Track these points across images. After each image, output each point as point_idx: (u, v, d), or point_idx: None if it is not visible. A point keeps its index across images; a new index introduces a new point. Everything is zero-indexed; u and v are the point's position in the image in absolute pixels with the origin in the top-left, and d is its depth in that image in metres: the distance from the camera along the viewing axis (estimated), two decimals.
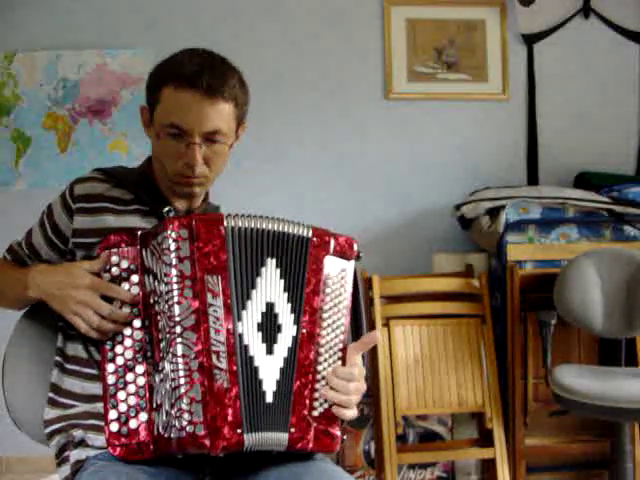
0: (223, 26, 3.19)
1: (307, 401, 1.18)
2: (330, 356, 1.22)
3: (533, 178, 3.24)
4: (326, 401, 1.20)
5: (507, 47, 3.25)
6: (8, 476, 3.02)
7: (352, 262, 1.26)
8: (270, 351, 1.18)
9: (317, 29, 3.22)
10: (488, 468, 2.77)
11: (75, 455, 1.23)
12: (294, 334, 1.20)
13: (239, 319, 1.16)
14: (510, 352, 2.73)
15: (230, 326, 1.15)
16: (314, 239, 1.23)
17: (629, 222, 2.79)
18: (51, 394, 1.30)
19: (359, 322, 1.30)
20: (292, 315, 1.20)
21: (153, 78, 1.34)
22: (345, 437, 1.22)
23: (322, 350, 1.21)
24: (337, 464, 1.27)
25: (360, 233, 3.15)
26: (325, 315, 1.22)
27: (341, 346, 1.23)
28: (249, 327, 1.17)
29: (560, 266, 2.69)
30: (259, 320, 1.18)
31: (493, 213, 2.84)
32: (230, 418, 1.11)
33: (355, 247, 1.27)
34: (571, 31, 3.27)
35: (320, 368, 1.20)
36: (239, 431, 1.12)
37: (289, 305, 1.20)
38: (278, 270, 1.20)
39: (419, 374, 2.70)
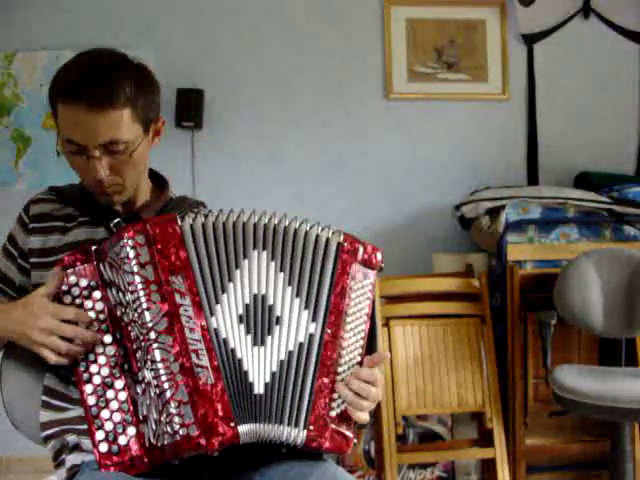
0: (223, 26, 3.19)
1: (326, 400, 1.18)
2: (350, 359, 1.22)
3: (533, 178, 3.24)
4: (344, 402, 1.19)
5: (507, 47, 3.25)
6: (8, 476, 3.02)
7: (375, 272, 1.27)
8: (259, 342, 1.17)
9: (317, 29, 3.22)
10: (488, 468, 2.77)
11: (71, 460, 1.23)
12: (313, 332, 1.19)
13: (212, 314, 1.15)
14: (510, 352, 2.73)
15: (204, 322, 1.14)
16: (345, 244, 1.24)
17: (629, 222, 2.79)
18: (45, 397, 1.29)
19: (374, 331, 1.29)
20: (305, 311, 1.19)
21: (49, 89, 1.26)
22: (356, 441, 1.22)
23: (343, 352, 1.21)
24: (337, 464, 1.26)
25: (360, 233, 3.11)
26: (349, 319, 1.22)
27: (361, 351, 1.23)
28: (226, 320, 1.16)
29: (560, 266, 2.69)
30: (240, 312, 1.17)
31: (493, 213, 2.84)
32: (221, 413, 1.10)
33: (379, 257, 1.27)
34: (571, 31, 3.27)
35: (340, 370, 1.20)
36: (232, 424, 1.10)
37: (297, 300, 1.19)
38: (273, 263, 1.19)
39: (419, 374, 2.70)
